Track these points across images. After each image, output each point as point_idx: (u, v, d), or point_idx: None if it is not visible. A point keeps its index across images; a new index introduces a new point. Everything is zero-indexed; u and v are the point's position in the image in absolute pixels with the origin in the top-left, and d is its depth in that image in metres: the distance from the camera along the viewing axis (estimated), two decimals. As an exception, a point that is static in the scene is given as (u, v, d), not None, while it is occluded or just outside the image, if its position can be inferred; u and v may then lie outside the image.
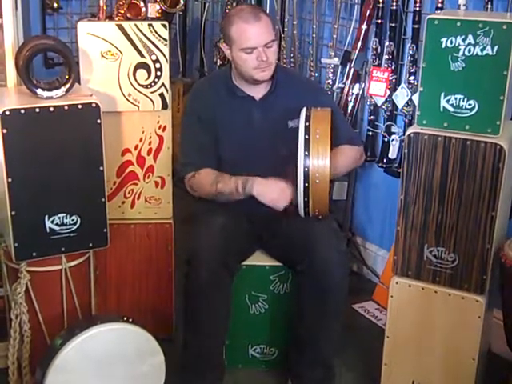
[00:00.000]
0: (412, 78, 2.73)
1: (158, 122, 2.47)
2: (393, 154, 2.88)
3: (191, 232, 2.34)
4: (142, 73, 2.39)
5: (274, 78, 2.40)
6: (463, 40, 1.90)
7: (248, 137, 2.40)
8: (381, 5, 2.85)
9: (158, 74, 2.40)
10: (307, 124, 2.16)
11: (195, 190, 2.42)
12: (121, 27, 2.34)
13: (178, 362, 2.32)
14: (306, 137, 2.14)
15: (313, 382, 2.36)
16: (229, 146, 2.42)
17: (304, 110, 2.22)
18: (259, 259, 2.45)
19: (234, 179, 2.30)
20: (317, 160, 2.13)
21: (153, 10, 2.40)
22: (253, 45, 2.28)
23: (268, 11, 3.35)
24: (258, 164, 2.36)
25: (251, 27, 2.28)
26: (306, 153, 2.13)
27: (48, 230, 2.13)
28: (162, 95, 2.42)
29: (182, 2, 2.84)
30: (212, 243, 2.22)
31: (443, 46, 1.93)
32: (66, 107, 2.07)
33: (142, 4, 2.37)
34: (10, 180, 2.03)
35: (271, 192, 2.25)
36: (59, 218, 2.13)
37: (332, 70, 3.10)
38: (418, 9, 2.67)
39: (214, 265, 2.20)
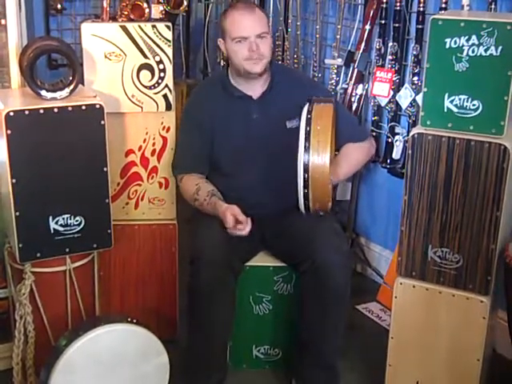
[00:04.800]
0: (416, 78, 2.73)
1: (162, 123, 2.47)
2: (396, 154, 2.88)
3: (195, 232, 2.35)
4: (145, 74, 2.39)
5: (271, 75, 2.40)
6: (467, 40, 1.90)
7: (246, 137, 2.39)
8: (384, 5, 2.84)
9: (162, 75, 2.40)
10: (309, 116, 2.15)
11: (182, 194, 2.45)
12: (124, 28, 2.35)
13: (182, 363, 2.32)
14: (308, 128, 2.13)
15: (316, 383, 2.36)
16: (226, 147, 2.41)
17: (307, 104, 2.22)
18: (263, 260, 2.45)
19: (210, 206, 2.28)
20: (317, 151, 2.11)
21: (156, 11, 2.41)
22: (245, 34, 2.28)
23: (271, 12, 3.36)
24: (255, 165, 2.37)
25: (244, 17, 2.29)
26: (307, 144, 2.12)
27: (52, 231, 2.13)
28: (165, 96, 2.42)
29: (185, 3, 2.84)
30: (216, 244, 2.22)
31: (447, 46, 1.93)
32: (69, 108, 2.08)
33: (145, 5, 2.37)
34: (14, 181, 2.04)
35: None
36: (63, 218, 2.13)
37: (335, 71, 3.10)
38: (421, 9, 2.67)
39: (218, 265, 2.20)
